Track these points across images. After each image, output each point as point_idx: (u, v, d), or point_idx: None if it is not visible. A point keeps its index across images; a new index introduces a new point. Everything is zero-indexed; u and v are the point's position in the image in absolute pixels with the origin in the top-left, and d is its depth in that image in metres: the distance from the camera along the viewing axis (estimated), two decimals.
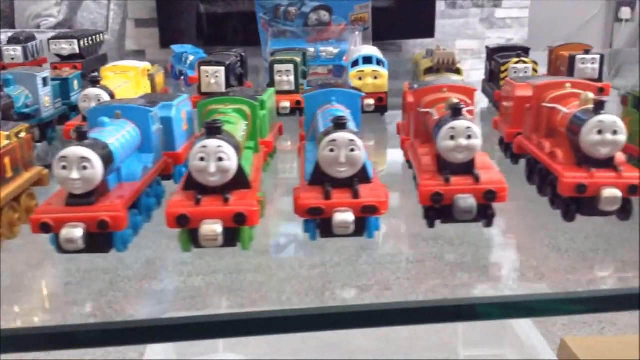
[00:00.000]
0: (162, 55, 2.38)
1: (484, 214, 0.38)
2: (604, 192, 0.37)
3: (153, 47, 2.46)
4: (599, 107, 0.38)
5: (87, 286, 0.41)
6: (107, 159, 0.36)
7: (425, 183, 0.37)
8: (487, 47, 0.73)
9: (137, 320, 0.37)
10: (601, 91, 0.66)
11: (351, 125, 0.39)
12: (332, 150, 0.36)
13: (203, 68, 0.65)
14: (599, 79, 0.66)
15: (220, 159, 0.35)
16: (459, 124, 0.37)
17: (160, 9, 2.35)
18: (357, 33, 0.91)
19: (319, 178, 0.36)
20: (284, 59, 0.66)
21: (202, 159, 0.35)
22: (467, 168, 0.38)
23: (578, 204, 0.38)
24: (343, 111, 0.43)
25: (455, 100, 0.41)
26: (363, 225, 0.36)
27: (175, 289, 0.43)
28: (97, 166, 0.35)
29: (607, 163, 0.38)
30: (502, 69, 0.66)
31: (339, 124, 0.36)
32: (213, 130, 0.35)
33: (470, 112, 0.43)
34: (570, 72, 0.66)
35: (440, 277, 0.45)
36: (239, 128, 0.39)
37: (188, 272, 0.42)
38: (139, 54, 2.45)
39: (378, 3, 2.51)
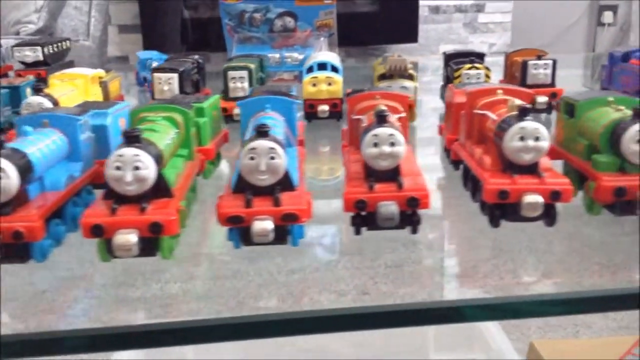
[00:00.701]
0: None
1: (410, 221, 0.38)
2: (526, 198, 0.37)
3: (136, 52, 2.45)
4: (522, 113, 0.38)
5: (63, 294, 0.40)
6: (25, 168, 0.36)
7: (349, 190, 0.37)
8: (443, 53, 0.73)
9: (111, 327, 0.36)
10: (554, 96, 0.66)
11: (278, 132, 0.39)
12: (252, 158, 0.35)
13: (156, 75, 0.65)
14: (552, 84, 0.66)
15: (137, 168, 0.34)
16: (383, 131, 0.37)
17: (144, 15, 2.35)
18: (322, 39, 0.91)
19: (242, 186, 0.36)
20: (237, 66, 0.66)
21: (118, 168, 0.35)
22: (393, 175, 0.38)
23: (502, 210, 0.38)
24: (275, 118, 0.42)
25: (383, 107, 0.41)
26: (285, 233, 0.36)
27: (152, 296, 0.43)
28: (12, 176, 0.34)
29: (531, 169, 0.38)
30: (455, 74, 0.66)
31: (261, 132, 0.36)
32: (130, 138, 0.35)
33: (402, 119, 0.43)
34: (524, 77, 0.66)
35: (418, 281, 0.44)
36: (164, 136, 0.39)
37: (165, 279, 0.42)
38: (122, 60, 2.44)
39: (361, 8, 2.52)
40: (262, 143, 0.35)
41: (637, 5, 1.76)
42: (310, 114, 0.66)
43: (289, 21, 0.90)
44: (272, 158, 0.35)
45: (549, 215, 0.38)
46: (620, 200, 0.38)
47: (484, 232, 0.41)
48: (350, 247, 0.45)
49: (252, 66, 0.66)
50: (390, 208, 0.36)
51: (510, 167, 0.38)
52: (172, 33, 2.30)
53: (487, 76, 0.65)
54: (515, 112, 0.39)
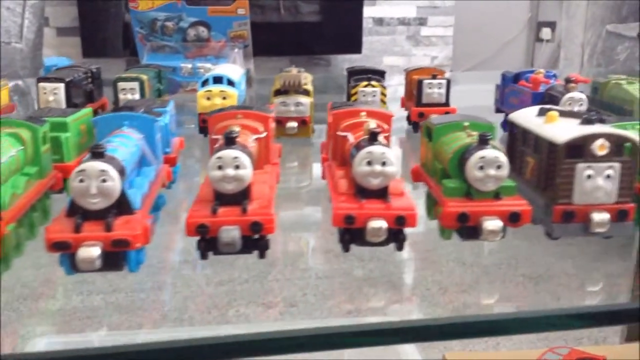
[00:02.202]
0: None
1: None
2: (370, 223, 0.36)
3: (75, 56, 2.38)
4: (372, 137, 0.38)
5: None
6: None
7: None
8: (346, 69, 0.73)
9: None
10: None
11: (123, 152, 0.38)
12: (82, 181, 0.34)
13: (41, 85, 0.62)
14: (446, 103, 0.66)
15: None
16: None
17: (83, 18, 2.29)
18: (236, 50, 0.90)
19: (75, 210, 0.35)
20: (128, 77, 0.64)
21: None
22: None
23: (351, 235, 0.38)
24: (129, 137, 0.41)
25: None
26: (118, 259, 0.35)
27: (72, 308, 0.41)
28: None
29: (381, 194, 0.38)
30: (352, 92, 0.66)
31: (95, 153, 0.35)
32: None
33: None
34: (419, 95, 0.67)
35: (347, 292, 0.44)
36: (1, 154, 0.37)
37: (88, 290, 0.40)
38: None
39: (306, 18, 2.53)
40: (92, 165, 0.34)
41: (569, 23, 1.83)
42: (204, 128, 0.65)
43: (202, 31, 0.89)
44: (104, 181, 0.34)
45: (397, 239, 0.38)
46: (464, 226, 0.38)
47: (415, 245, 0.41)
48: (282, 258, 0.44)
49: (145, 77, 0.64)
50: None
51: (360, 191, 0.38)
52: (113, 37, 2.24)
53: (383, 94, 0.65)
54: (366, 136, 0.38)
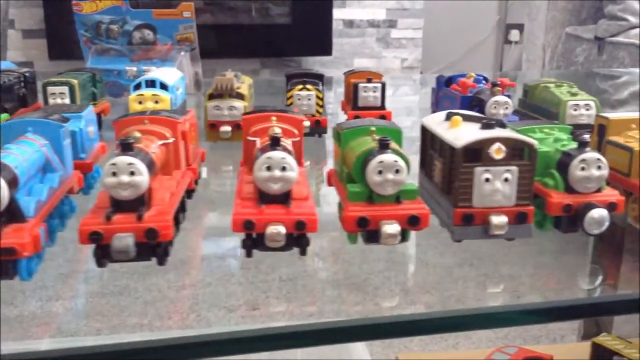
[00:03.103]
0: (51, 67, 2.29)
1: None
2: (268, 228, 0.36)
3: (41, 58, 2.36)
4: (273, 143, 0.38)
5: None
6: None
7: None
8: (285, 74, 0.73)
9: None
10: (382, 119, 0.67)
11: (14, 160, 0.37)
12: None
13: None
14: (382, 107, 0.67)
15: None
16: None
17: (49, 20, 2.26)
18: (182, 53, 0.89)
19: None
20: (57, 81, 0.63)
21: None
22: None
23: (253, 240, 0.38)
24: (31, 143, 0.40)
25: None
26: (7, 268, 0.34)
27: (30, 314, 0.40)
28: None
29: (283, 199, 0.38)
30: (288, 95, 0.66)
31: None
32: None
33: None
34: (355, 99, 0.67)
35: (310, 294, 0.43)
36: None
37: (48, 296, 0.39)
38: (27, 66, 2.33)
39: (276, 20, 2.53)
40: None
41: (531, 25, 1.85)
42: None
43: (148, 34, 0.88)
44: None
45: (299, 244, 0.38)
46: (365, 230, 0.38)
47: (380, 246, 0.41)
48: (246, 260, 0.44)
49: (75, 81, 0.64)
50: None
51: (262, 196, 0.38)
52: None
53: (319, 97, 0.66)
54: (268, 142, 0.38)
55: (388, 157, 0.37)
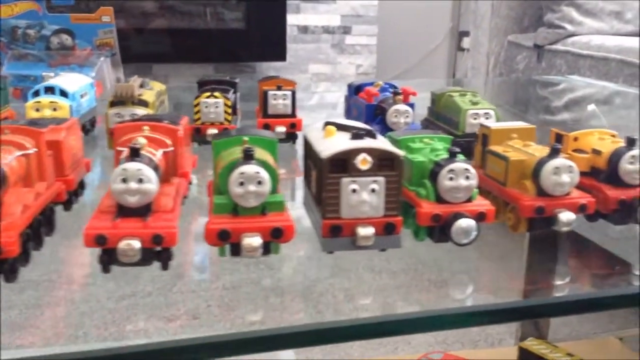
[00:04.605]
0: None
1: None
2: (120, 243, 0.35)
3: None
4: (132, 154, 0.37)
5: None
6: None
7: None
8: (197, 81, 0.72)
9: None
10: (293, 126, 0.67)
11: None
12: None
13: None
14: (292, 115, 0.66)
15: None
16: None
17: None
18: (102, 59, 0.87)
19: None
20: None
21: None
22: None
23: (109, 255, 0.37)
24: None
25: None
26: None
27: None
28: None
29: (142, 212, 0.37)
30: (194, 103, 0.65)
31: None
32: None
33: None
34: (265, 106, 0.66)
35: (253, 303, 0.42)
36: None
37: None
38: None
39: (230, 25, 2.51)
40: None
41: (475, 33, 1.88)
42: None
43: (66, 39, 0.86)
44: None
45: (160, 258, 0.37)
46: (228, 243, 0.37)
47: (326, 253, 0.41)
48: (189, 269, 0.43)
49: None
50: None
51: (120, 209, 0.37)
52: None
53: (227, 105, 0.65)
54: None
55: (249, 168, 0.37)
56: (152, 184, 0.36)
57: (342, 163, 0.38)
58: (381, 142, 0.40)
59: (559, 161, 0.41)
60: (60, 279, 0.42)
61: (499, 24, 1.78)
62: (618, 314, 1.41)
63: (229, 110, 0.65)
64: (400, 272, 0.47)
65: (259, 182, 0.37)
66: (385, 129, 0.58)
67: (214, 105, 0.64)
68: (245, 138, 0.41)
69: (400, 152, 0.39)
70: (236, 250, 0.37)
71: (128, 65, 2.46)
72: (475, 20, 1.90)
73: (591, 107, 1.21)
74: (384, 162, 0.39)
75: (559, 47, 1.57)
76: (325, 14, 2.57)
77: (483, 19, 1.84)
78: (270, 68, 2.59)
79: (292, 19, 2.51)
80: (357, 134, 0.40)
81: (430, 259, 0.47)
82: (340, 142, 0.39)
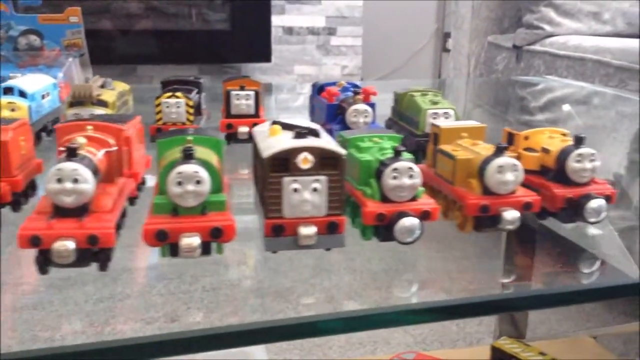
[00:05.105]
0: None
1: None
2: (54, 244, 0.35)
3: None
4: (69, 154, 0.37)
5: None
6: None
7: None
8: (161, 81, 0.72)
9: None
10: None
11: None
12: None
13: None
14: (256, 115, 0.66)
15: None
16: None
17: None
18: (70, 59, 0.87)
19: None
20: None
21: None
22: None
23: (45, 257, 0.36)
24: None
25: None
26: None
27: None
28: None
29: (78, 212, 0.36)
30: (156, 103, 0.64)
31: None
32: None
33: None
34: (228, 106, 0.66)
35: (232, 304, 0.42)
36: None
37: None
38: None
39: (215, 26, 2.50)
40: None
41: (456, 34, 1.88)
42: None
43: (34, 39, 0.86)
44: None
45: (97, 259, 0.37)
46: (166, 243, 0.37)
47: (308, 253, 0.41)
48: (168, 270, 0.42)
49: None
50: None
51: (56, 210, 0.36)
52: None
53: (189, 105, 0.64)
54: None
55: (188, 167, 0.37)
56: (88, 184, 0.36)
57: (284, 162, 0.38)
58: (324, 141, 0.40)
59: (503, 160, 0.41)
60: (37, 282, 0.42)
61: (479, 25, 1.78)
62: (595, 313, 1.41)
63: (191, 111, 0.65)
64: (380, 272, 0.47)
65: (198, 182, 0.37)
66: (346, 129, 0.58)
67: (175, 105, 0.64)
68: (189, 138, 0.41)
69: (343, 151, 0.39)
70: (174, 250, 0.37)
71: (113, 66, 2.45)
72: (456, 21, 1.91)
73: (566, 107, 1.21)
74: (326, 162, 0.38)
75: (537, 47, 1.58)
76: (310, 15, 2.57)
77: (464, 21, 1.85)
78: (255, 69, 2.59)
79: (277, 20, 2.51)
80: (299, 133, 0.39)
81: (410, 259, 0.48)
82: (283, 141, 0.39)
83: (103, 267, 0.37)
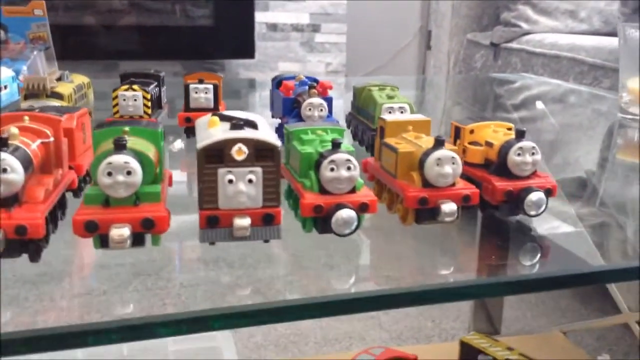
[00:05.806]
0: None
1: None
2: None
3: None
4: (1, 144, 0.36)
5: None
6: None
7: None
8: (120, 75, 0.71)
9: None
10: None
11: None
12: None
13: None
14: (215, 108, 0.66)
15: None
16: None
17: None
18: (35, 53, 0.86)
19: None
20: None
21: None
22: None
23: None
24: None
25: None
26: None
27: None
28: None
29: (8, 203, 0.36)
30: (113, 95, 0.64)
31: None
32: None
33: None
34: (187, 100, 0.66)
35: (210, 300, 0.41)
36: None
37: None
38: None
39: (197, 22, 2.49)
40: None
41: (437, 31, 1.89)
42: None
43: None
44: None
45: (27, 250, 0.36)
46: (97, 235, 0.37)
47: (287, 249, 0.42)
48: (146, 267, 0.42)
49: None
50: None
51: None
52: None
53: (146, 98, 0.64)
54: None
55: (118, 158, 0.36)
56: (16, 174, 0.35)
57: (219, 153, 0.38)
58: (260, 133, 0.39)
59: (441, 152, 0.41)
60: (15, 277, 0.41)
61: (459, 23, 1.79)
62: (570, 309, 1.42)
63: (149, 104, 0.64)
64: (360, 268, 0.47)
65: (129, 173, 0.36)
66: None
67: (132, 98, 0.63)
68: (126, 128, 0.40)
69: (278, 143, 0.38)
70: (105, 242, 0.37)
71: (95, 62, 2.43)
72: (437, 19, 1.91)
73: (539, 104, 1.22)
74: (262, 153, 0.38)
75: (514, 45, 1.58)
76: (294, 11, 2.56)
77: (444, 18, 1.85)
78: (239, 66, 2.58)
79: (260, 17, 2.50)
80: (235, 125, 0.39)
81: (389, 255, 0.48)
82: (218, 133, 0.39)
83: (33, 258, 0.37)
